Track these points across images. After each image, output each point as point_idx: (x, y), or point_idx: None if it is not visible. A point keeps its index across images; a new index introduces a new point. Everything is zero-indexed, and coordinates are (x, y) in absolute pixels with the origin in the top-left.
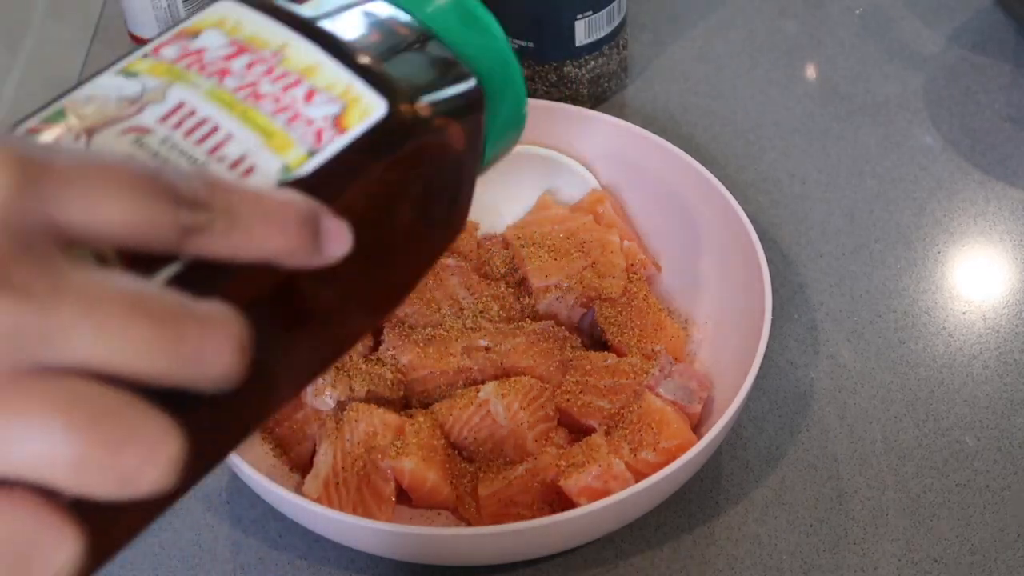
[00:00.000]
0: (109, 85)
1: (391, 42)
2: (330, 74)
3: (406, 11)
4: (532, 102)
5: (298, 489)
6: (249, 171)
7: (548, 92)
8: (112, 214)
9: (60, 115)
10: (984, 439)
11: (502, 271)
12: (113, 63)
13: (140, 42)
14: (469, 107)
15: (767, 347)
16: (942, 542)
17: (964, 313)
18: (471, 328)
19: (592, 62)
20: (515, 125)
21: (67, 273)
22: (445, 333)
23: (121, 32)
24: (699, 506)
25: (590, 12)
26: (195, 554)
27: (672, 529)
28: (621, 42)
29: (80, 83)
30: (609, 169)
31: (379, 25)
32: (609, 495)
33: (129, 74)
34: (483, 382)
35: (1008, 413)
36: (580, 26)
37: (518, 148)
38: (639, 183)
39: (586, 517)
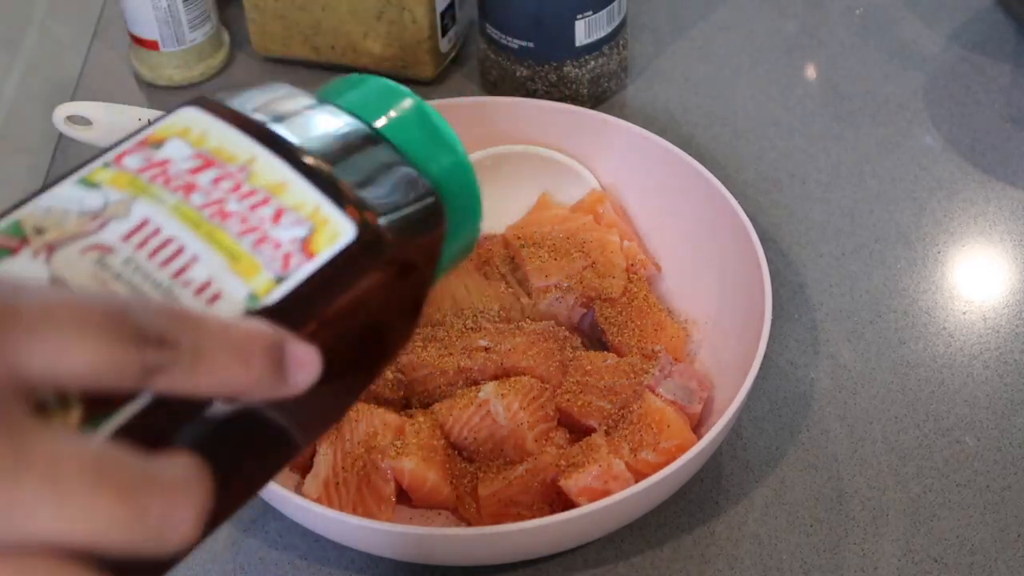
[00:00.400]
0: (69, 196)
1: (357, 157)
2: (298, 193)
3: (370, 125)
4: (532, 102)
5: (298, 489)
6: (215, 298)
7: (548, 92)
8: (78, 359)
9: (17, 229)
10: (984, 439)
11: (502, 271)
12: (73, 170)
13: (140, 42)
14: (432, 224)
15: (767, 347)
16: (942, 542)
17: (964, 313)
18: (471, 328)
19: (592, 62)
20: (472, 235)
21: (30, 437)
22: (445, 333)
23: (121, 32)
24: (699, 506)
25: (590, 12)
26: (195, 554)
27: (672, 529)
28: (621, 42)
29: (38, 192)
30: (609, 169)
31: (345, 139)
32: (609, 495)
33: (91, 185)
34: (483, 382)
35: (1008, 413)
36: (580, 26)
37: (518, 148)
38: (639, 183)
39: (586, 517)
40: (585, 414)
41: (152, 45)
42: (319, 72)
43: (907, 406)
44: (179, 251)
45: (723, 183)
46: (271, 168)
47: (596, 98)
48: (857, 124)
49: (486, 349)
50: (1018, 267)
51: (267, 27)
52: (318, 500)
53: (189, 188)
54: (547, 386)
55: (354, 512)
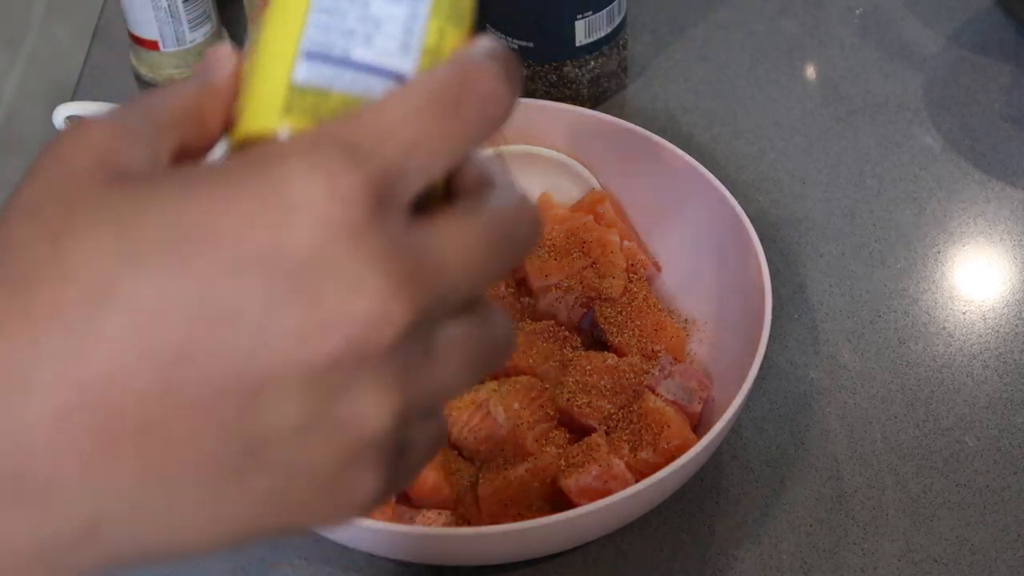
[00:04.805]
0: None
1: None
2: None
3: None
4: (532, 102)
5: None
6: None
7: (548, 92)
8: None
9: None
10: (984, 439)
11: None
12: None
13: (140, 42)
14: None
15: (767, 347)
16: (942, 542)
17: (964, 313)
18: None
19: (592, 62)
20: None
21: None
22: None
23: (121, 32)
24: (699, 506)
25: (590, 12)
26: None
27: (672, 529)
28: (621, 42)
29: None
30: (609, 169)
31: None
32: (609, 495)
33: None
34: (483, 382)
35: (1008, 413)
36: (580, 26)
37: (518, 148)
38: (639, 183)
39: (586, 517)
40: (585, 414)
41: (152, 45)
42: None
43: (907, 406)
44: None
45: (723, 183)
46: None
47: (596, 98)
48: (857, 124)
49: None
50: (1018, 267)
51: None
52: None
53: None
54: (547, 386)
55: None
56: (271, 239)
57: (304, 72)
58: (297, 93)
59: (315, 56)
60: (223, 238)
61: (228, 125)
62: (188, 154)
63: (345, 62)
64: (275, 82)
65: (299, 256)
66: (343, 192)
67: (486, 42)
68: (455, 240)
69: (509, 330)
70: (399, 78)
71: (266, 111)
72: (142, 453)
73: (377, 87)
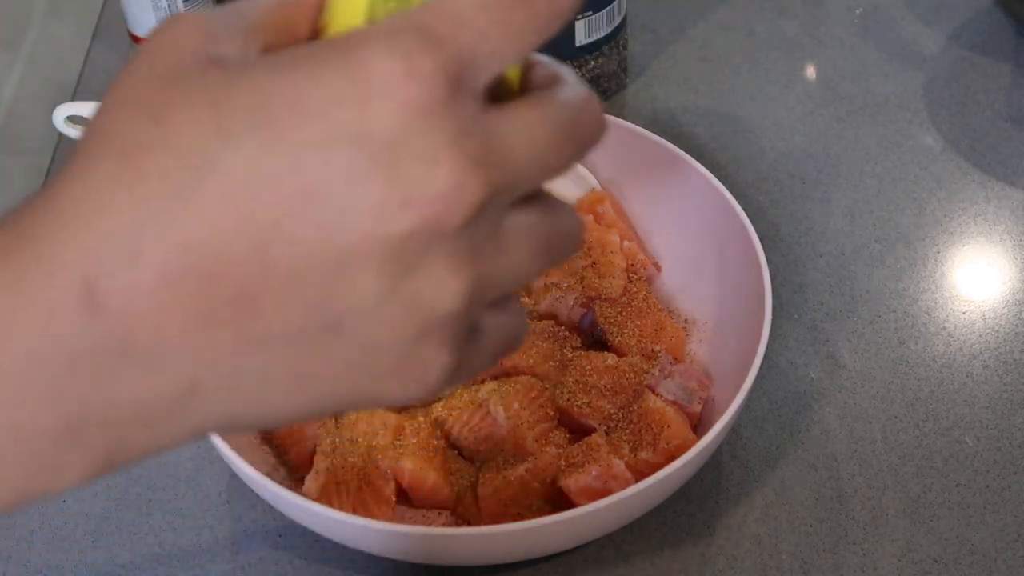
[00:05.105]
0: None
1: None
2: None
3: None
4: None
5: (298, 489)
6: None
7: None
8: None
9: None
10: (984, 439)
11: None
12: None
13: (140, 42)
14: None
15: (767, 347)
16: (942, 542)
17: (964, 313)
18: None
19: (592, 62)
20: None
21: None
22: None
23: (121, 32)
24: (699, 506)
25: (590, 12)
26: (195, 554)
27: (672, 529)
28: (621, 42)
29: None
30: (609, 169)
31: None
32: (609, 495)
33: None
34: (483, 382)
35: (1008, 413)
36: (580, 26)
37: None
38: (639, 183)
39: (586, 517)
40: (585, 414)
41: None
42: None
43: (907, 406)
44: None
45: (723, 183)
46: None
47: None
48: (857, 124)
49: None
50: (1018, 267)
51: None
52: (318, 500)
53: None
54: (547, 386)
55: (354, 512)
56: (353, 117)
57: None
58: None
59: None
60: (309, 115)
61: (315, 36)
62: None
63: None
64: None
65: (379, 133)
66: (421, 72)
67: None
68: (526, 126)
69: (577, 223)
70: None
71: (350, 17)
72: (238, 319)
73: None
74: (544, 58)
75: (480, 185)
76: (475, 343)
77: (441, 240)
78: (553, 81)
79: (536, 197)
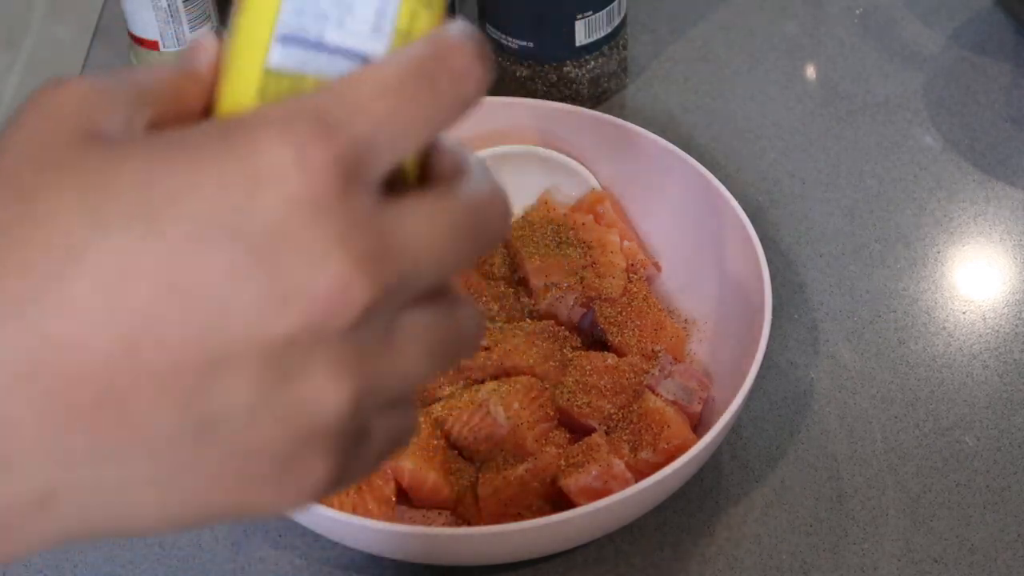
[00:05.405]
0: None
1: None
2: None
3: None
4: (532, 102)
5: None
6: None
7: (548, 92)
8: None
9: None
10: (984, 439)
11: (502, 271)
12: None
13: (140, 42)
14: None
15: (767, 347)
16: (942, 542)
17: (964, 313)
18: None
19: (592, 62)
20: None
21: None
22: None
23: (121, 32)
24: (699, 506)
25: (590, 12)
26: (195, 554)
27: (672, 529)
28: (621, 42)
29: None
30: (609, 169)
31: None
32: (609, 495)
33: None
34: (483, 382)
35: (1008, 413)
36: (580, 26)
37: (518, 148)
38: (639, 183)
39: (586, 517)
40: (585, 414)
41: (152, 45)
42: None
43: (907, 406)
44: None
45: (723, 183)
46: None
47: (596, 98)
48: (857, 124)
49: (486, 349)
50: (1018, 267)
51: None
52: (318, 500)
53: None
54: (547, 386)
55: (354, 512)
56: (236, 208)
57: (278, 56)
58: (272, 77)
59: (289, 39)
60: (190, 205)
61: (207, 110)
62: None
63: (318, 45)
64: (250, 66)
65: (263, 227)
66: (311, 163)
67: (459, 23)
68: (423, 223)
69: (477, 323)
70: (371, 61)
71: (241, 95)
72: (99, 423)
73: (351, 70)
74: (450, 143)
75: (368, 286)
76: (361, 446)
77: (324, 344)
78: (458, 170)
79: (437, 294)
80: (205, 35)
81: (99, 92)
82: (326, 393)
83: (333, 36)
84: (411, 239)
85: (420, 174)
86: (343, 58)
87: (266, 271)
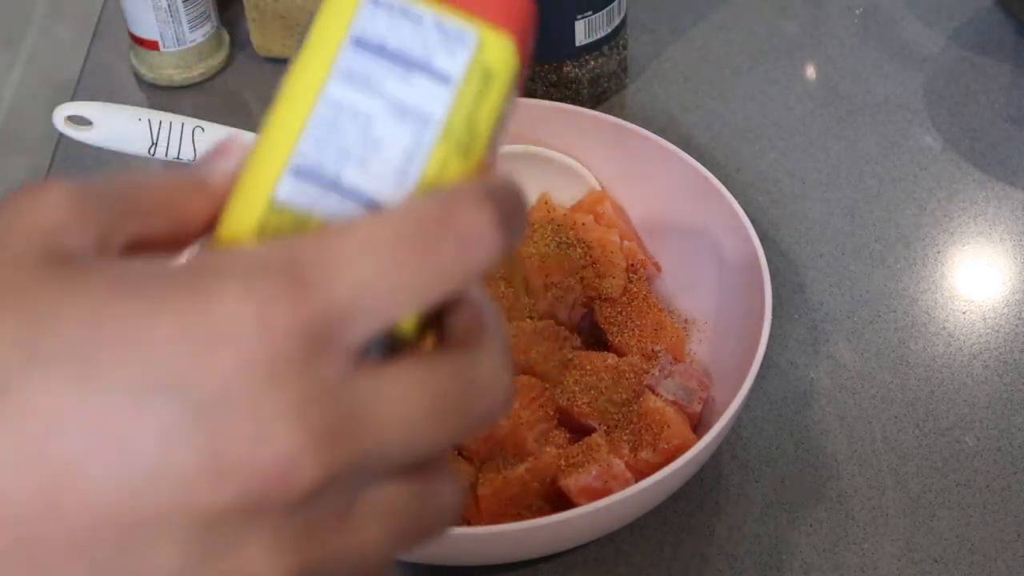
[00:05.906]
0: None
1: None
2: None
3: None
4: (532, 102)
5: None
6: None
7: (548, 92)
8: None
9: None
10: (984, 439)
11: (502, 271)
12: None
13: (140, 42)
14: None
15: (767, 347)
16: (942, 542)
17: (964, 313)
18: None
19: (592, 62)
20: None
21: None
22: None
23: (121, 32)
24: (699, 506)
25: (590, 12)
26: None
27: (672, 529)
28: (621, 42)
29: None
30: (609, 169)
31: None
32: (609, 495)
33: None
34: None
35: (1008, 413)
36: (580, 26)
37: (518, 148)
38: (639, 183)
39: (586, 517)
40: (585, 414)
41: (152, 45)
42: None
43: (907, 406)
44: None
45: (723, 183)
46: None
47: (596, 98)
48: (857, 124)
49: None
50: (1018, 267)
51: (267, 27)
52: None
53: None
54: (547, 386)
55: None
56: (185, 366)
57: (287, 189)
58: (276, 213)
59: (303, 173)
60: (136, 352)
61: (213, 225)
62: (158, 246)
63: (333, 184)
64: (257, 195)
65: (211, 389)
66: (273, 324)
67: (494, 177)
68: (399, 397)
69: (454, 501)
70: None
71: (241, 225)
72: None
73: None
74: (475, 297)
75: (320, 464)
76: None
77: (263, 519)
78: (470, 335)
79: (415, 468)
80: (234, 139)
81: (76, 203)
82: (262, 568)
83: (351, 177)
84: (383, 415)
85: (436, 328)
86: (356, 203)
87: (206, 437)
